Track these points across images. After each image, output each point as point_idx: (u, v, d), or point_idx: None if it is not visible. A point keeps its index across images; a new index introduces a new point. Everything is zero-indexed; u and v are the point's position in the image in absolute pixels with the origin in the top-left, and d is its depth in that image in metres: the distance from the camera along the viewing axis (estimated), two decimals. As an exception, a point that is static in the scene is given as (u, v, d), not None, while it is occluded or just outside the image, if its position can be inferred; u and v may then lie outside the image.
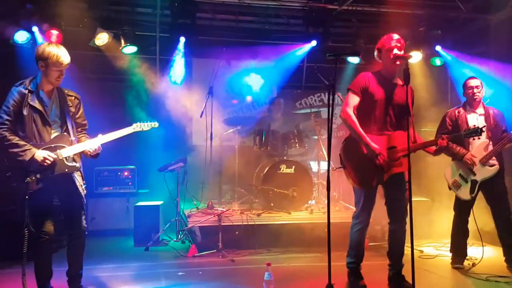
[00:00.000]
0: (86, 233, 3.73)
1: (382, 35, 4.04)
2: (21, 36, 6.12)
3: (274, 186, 5.84)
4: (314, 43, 7.26)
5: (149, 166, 6.89)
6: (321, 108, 7.26)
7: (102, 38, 6.62)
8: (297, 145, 6.20)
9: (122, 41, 6.77)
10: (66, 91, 3.72)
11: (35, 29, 6.15)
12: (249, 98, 8.16)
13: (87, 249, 3.93)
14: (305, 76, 8.40)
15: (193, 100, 7.59)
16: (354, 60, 7.49)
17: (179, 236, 5.92)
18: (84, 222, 3.70)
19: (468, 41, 7.47)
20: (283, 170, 5.93)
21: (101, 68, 7.16)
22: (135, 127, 3.86)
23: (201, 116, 6.09)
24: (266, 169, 5.91)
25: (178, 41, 6.88)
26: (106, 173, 6.73)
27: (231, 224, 5.41)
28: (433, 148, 4.06)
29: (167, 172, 6.00)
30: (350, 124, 3.83)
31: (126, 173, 6.82)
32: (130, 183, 6.82)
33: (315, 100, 7.95)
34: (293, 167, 5.96)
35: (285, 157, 6.13)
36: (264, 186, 5.86)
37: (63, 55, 3.52)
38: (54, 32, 6.29)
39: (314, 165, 6.62)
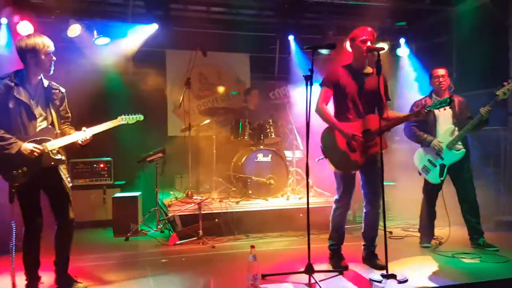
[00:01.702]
0: (74, 223, 3.77)
1: (351, 27, 4.26)
2: (-9, 28, 6.03)
3: (251, 175, 6.01)
4: (290, 37, 7.44)
5: (125, 158, 6.92)
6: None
7: (74, 30, 6.56)
8: (272, 134, 6.38)
9: (95, 32, 6.74)
10: (51, 84, 3.71)
11: (4, 21, 6.08)
12: (221, 89, 8.30)
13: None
14: (278, 67, 8.58)
15: (168, 91, 7.65)
16: (323, 51, 7.68)
17: (159, 225, 6.03)
18: (71, 213, 3.72)
19: (431, 31, 7.83)
20: (260, 159, 6.11)
21: (74, 60, 7.09)
22: (120, 120, 3.90)
23: (179, 107, 6.16)
24: (244, 158, 6.07)
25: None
26: (82, 165, 6.71)
27: (211, 212, 5.56)
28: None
29: (145, 163, 6.07)
30: (324, 115, 4.12)
31: (102, 165, 6.82)
32: (106, 175, 6.82)
33: (287, 91, 8.14)
34: (270, 155, 6.15)
35: (261, 146, 6.29)
36: (242, 175, 6.02)
37: (47, 40, 3.55)
38: (25, 24, 6.22)
39: (289, 154, 6.82)
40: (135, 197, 6.15)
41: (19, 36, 3.75)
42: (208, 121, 6.67)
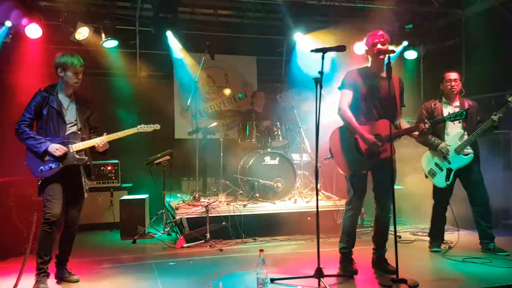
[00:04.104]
0: (78, 225, 4.16)
1: (358, 29, 4.22)
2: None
3: (259, 178, 5.98)
4: (295, 37, 7.42)
5: (132, 160, 6.93)
6: (301, 100, 7.48)
7: (82, 33, 6.60)
8: (280, 137, 6.34)
9: (103, 35, 6.78)
10: (84, 96, 4.22)
11: (11, 23, 6.13)
12: (227, 92, 8.30)
13: (75, 243, 4.23)
14: (285, 69, 8.56)
15: (175, 94, 7.65)
16: (330, 54, 7.62)
17: (166, 228, 6.01)
18: (78, 213, 4.12)
19: (440, 34, 7.78)
20: (267, 162, 6.07)
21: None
22: (139, 128, 4.35)
23: (186, 110, 6.15)
24: (251, 161, 6.04)
25: (163, 35, 6.94)
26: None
27: (218, 215, 5.53)
28: (416, 134, 4.25)
29: (153, 165, 6.06)
30: (347, 119, 4.07)
31: (109, 168, 6.84)
32: (113, 178, 6.84)
33: (295, 94, 8.10)
34: (277, 158, 6.11)
35: (269, 149, 6.25)
36: (249, 178, 5.99)
37: (76, 61, 4.03)
38: (34, 27, 6.25)
39: (296, 157, 6.78)
40: (143, 199, 6.16)
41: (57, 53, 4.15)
42: (215, 123, 6.66)
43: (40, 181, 3.90)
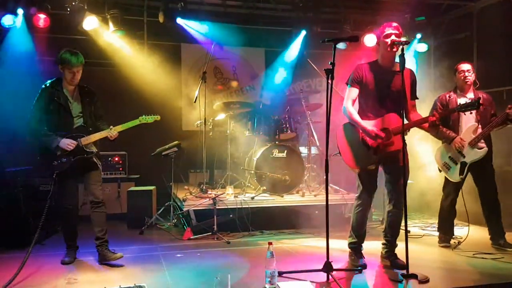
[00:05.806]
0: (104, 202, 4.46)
1: (368, 21, 4.15)
2: (8, 20, 6.04)
3: (266, 170, 5.92)
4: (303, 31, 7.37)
5: (140, 152, 6.91)
6: (310, 93, 7.41)
7: (90, 22, 6.56)
8: (288, 130, 6.28)
9: (110, 25, 6.75)
10: (87, 89, 4.37)
11: (20, 11, 6.13)
12: (234, 84, 8.24)
13: (82, 233, 4.45)
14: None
15: (183, 85, 7.61)
16: (340, 45, 7.55)
17: (173, 220, 6.00)
18: (100, 189, 4.39)
19: (451, 27, 7.68)
20: (275, 155, 6.01)
21: (89, 53, 7.08)
22: (141, 120, 4.51)
23: (194, 101, 6.11)
24: (259, 154, 5.98)
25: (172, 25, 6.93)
26: (96, 159, 6.70)
27: (226, 207, 5.50)
28: (427, 125, 4.19)
29: (160, 157, 6.05)
30: (348, 114, 4.11)
31: (116, 159, 6.84)
32: (121, 169, 6.84)
33: (303, 86, 8.05)
34: (285, 151, 6.05)
35: (277, 142, 6.20)
36: (257, 170, 5.95)
37: (73, 59, 4.13)
38: (42, 16, 6.24)
39: (303, 150, 6.73)
40: (150, 191, 6.15)
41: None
42: (223, 115, 6.61)
43: (55, 174, 4.10)
